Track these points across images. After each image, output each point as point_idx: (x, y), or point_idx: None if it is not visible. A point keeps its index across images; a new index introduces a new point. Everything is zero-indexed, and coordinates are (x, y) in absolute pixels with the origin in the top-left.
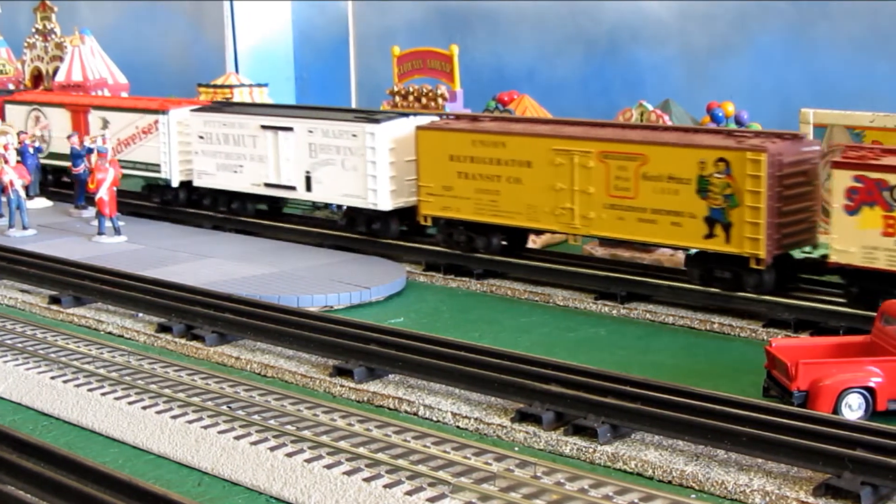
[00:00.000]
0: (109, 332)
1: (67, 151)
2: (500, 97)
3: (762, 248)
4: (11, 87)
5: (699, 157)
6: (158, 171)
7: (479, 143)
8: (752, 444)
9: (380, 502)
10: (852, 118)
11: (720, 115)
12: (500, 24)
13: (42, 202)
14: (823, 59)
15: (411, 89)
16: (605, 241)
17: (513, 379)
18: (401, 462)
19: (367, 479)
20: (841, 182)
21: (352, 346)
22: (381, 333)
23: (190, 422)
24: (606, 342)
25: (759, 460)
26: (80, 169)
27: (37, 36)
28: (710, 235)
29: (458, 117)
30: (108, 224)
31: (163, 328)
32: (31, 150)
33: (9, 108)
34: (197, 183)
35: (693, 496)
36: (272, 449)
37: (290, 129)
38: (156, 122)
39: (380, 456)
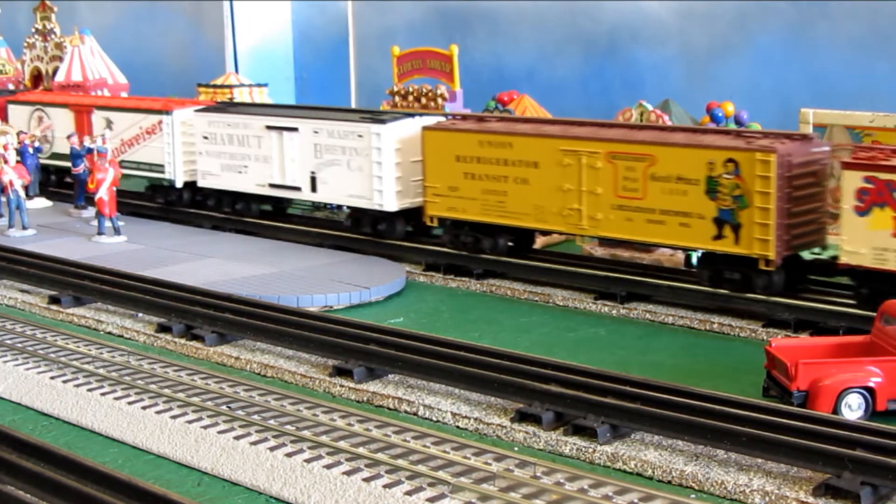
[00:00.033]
0: (109, 332)
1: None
2: (499, 97)
3: (772, 249)
4: (11, 87)
5: (708, 158)
6: (162, 172)
7: (485, 143)
8: (751, 444)
9: (379, 502)
10: (852, 118)
11: (720, 115)
12: (499, 24)
13: (42, 202)
14: (823, 59)
15: (411, 89)
16: (605, 241)
17: (512, 379)
18: (400, 462)
19: (366, 479)
20: (851, 183)
21: (351, 346)
22: (381, 333)
23: (190, 422)
24: (606, 342)
25: (759, 460)
26: (80, 169)
27: (36, 36)
28: (718, 236)
29: (464, 118)
30: (107, 224)
31: (162, 328)
32: (30, 150)
33: (12, 109)
34: (201, 183)
35: (693, 496)
36: (272, 449)
37: (295, 129)
38: (160, 122)
39: (379, 456)
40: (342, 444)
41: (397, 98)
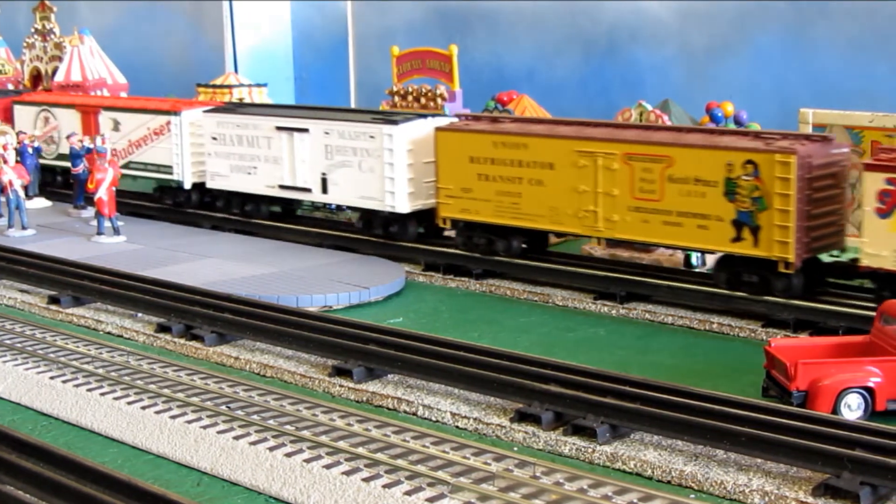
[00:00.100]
0: (109, 332)
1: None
2: (499, 97)
3: (791, 251)
4: (11, 87)
5: (727, 159)
6: (171, 173)
7: (499, 144)
8: (751, 444)
9: (379, 502)
10: (851, 118)
11: (719, 115)
12: (499, 25)
13: (41, 202)
14: (822, 59)
15: (410, 89)
16: (614, 242)
17: (512, 379)
18: (400, 462)
19: (366, 479)
20: (873, 185)
21: (351, 346)
22: (381, 333)
23: (189, 422)
24: (605, 342)
25: (759, 460)
26: (80, 169)
27: (36, 36)
28: (737, 239)
29: (477, 118)
30: (107, 224)
31: (162, 328)
32: (30, 151)
33: (17, 109)
34: (210, 185)
35: (692, 496)
36: (271, 449)
37: (305, 130)
38: (168, 123)
39: (379, 456)
40: (341, 444)
41: (397, 98)
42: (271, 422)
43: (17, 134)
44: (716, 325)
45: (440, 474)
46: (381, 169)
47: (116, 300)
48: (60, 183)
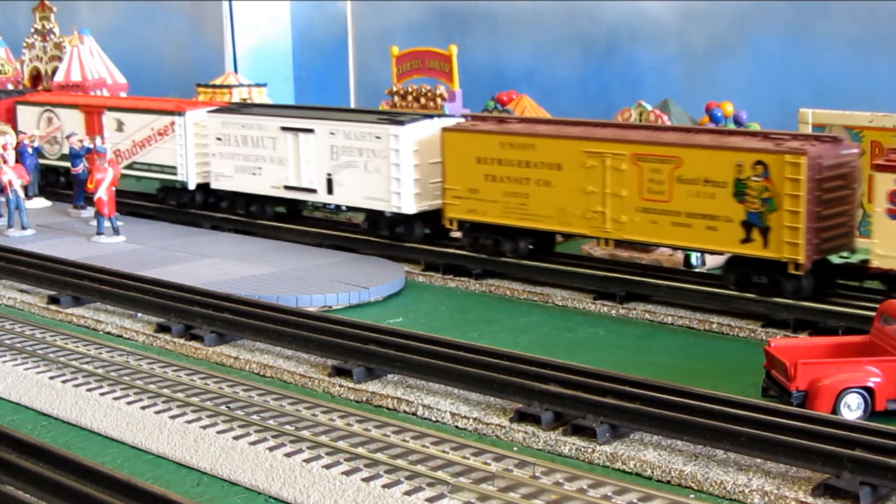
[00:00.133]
0: (108, 332)
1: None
2: (498, 97)
3: (801, 252)
4: (10, 87)
5: (736, 160)
6: (175, 174)
7: (507, 145)
8: (750, 444)
9: (378, 502)
10: (851, 118)
11: (719, 115)
12: (498, 25)
13: (41, 202)
14: (822, 59)
15: (410, 89)
16: (623, 243)
17: (512, 379)
18: (399, 462)
19: (365, 479)
20: (883, 185)
21: (351, 346)
22: (380, 333)
23: (189, 422)
24: (605, 342)
25: (758, 460)
26: (79, 169)
27: (36, 36)
28: (747, 240)
29: (484, 119)
30: (106, 224)
31: (162, 328)
32: (29, 151)
33: (21, 109)
34: (214, 185)
35: (692, 496)
36: (271, 449)
37: (311, 130)
38: (172, 123)
39: (378, 456)
40: (341, 444)
41: (396, 98)
42: (271, 422)
43: (17, 134)
44: (715, 325)
45: (440, 474)
46: (387, 169)
47: (116, 300)
48: (64, 183)
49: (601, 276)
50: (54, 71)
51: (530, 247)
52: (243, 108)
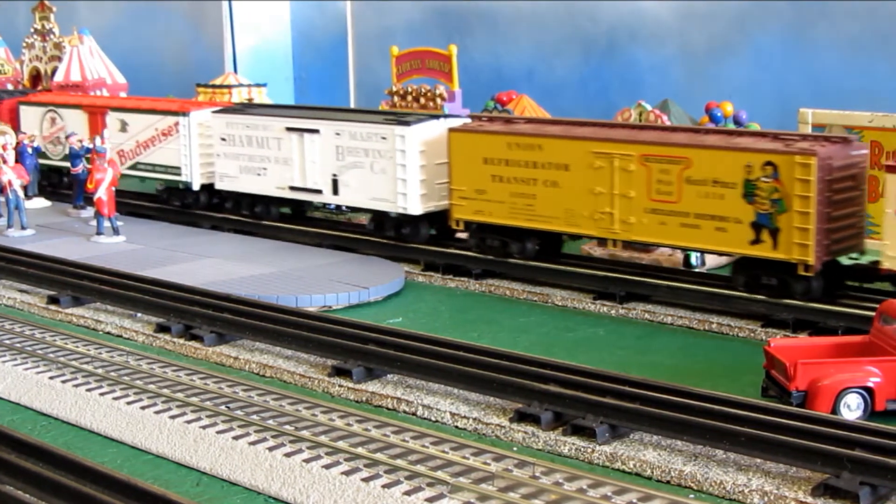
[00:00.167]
0: (108, 332)
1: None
2: (498, 97)
3: (811, 254)
4: (10, 87)
5: (745, 161)
6: (179, 174)
7: (514, 145)
8: (750, 444)
9: (378, 502)
10: (851, 118)
11: (719, 115)
12: (498, 25)
13: (41, 202)
14: (822, 59)
15: (410, 89)
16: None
17: (511, 379)
18: (399, 462)
19: (365, 479)
20: (894, 186)
21: (350, 346)
22: (380, 333)
23: (188, 422)
24: (605, 342)
25: (758, 460)
26: (79, 169)
27: (35, 36)
28: (756, 241)
29: (490, 119)
30: (106, 224)
31: (161, 328)
32: (29, 151)
33: (24, 110)
34: (219, 186)
35: (691, 496)
36: (270, 449)
37: (316, 131)
38: (176, 123)
39: (378, 456)
40: (341, 444)
41: (396, 98)
42: (270, 422)
43: (17, 134)
44: (715, 325)
45: (439, 474)
46: (393, 170)
47: (116, 300)
48: (67, 184)
49: (601, 276)
50: (54, 71)
51: (537, 248)
52: (248, 108)
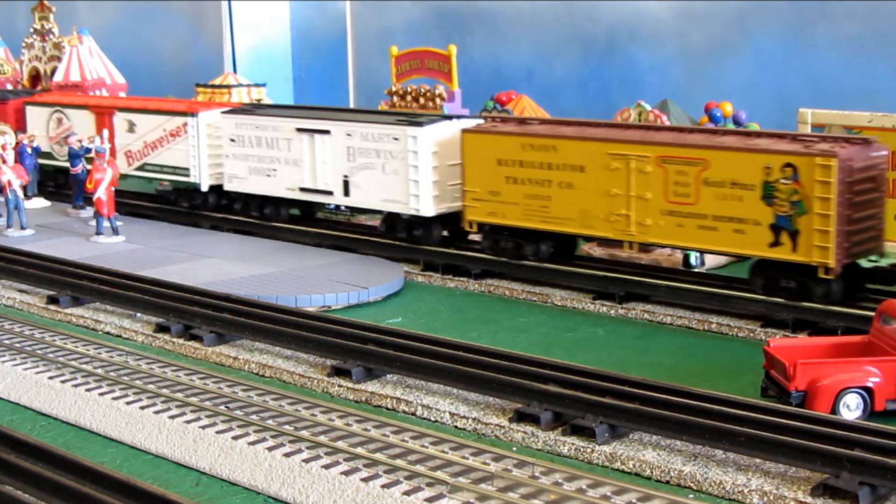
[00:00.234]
0: (107, 332)
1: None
2: (498, 97)
3: (831, 256)
4: (10, 87)
5: (765, 163)
6: (187, 175)
7: (528, 146)
8: (750, 444)
9: (378, 502)
10: (850, 118)
11: (718, 114)
12: (498, 25)
13: (40, 202)
14: (822, 59)
15: (409, 89)
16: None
17: (511, 379)
18: (399, 462)
19: (364, 479)
20: None
21: (350, 346)
22: (379, 333)
23: (188, 422)
24: (604, 342)
25: (758, 460)
26: (79, 169)
27: (35, 36)
28: (775, 243)
29: (504, 120)
30: (106, 224)
31: (161, 328)
32: (28, 150)
33: (30, 110)
34: (227, 187)
35: (691, 496)
36: (270, 449)
37: (327, 132)
38: (184, 124)
39: (378, 456)
40: (340, 444)
41: (395, 98)
42: (270, 422)
43: (17, 134)
44: (714, 325)
45: (439, 474)
46: (405, 171)
47: (115, 300)
48: (67, 184)
49: (600, 276)
50: (53, 71)
51: (552, 250)
52: (257, 109)
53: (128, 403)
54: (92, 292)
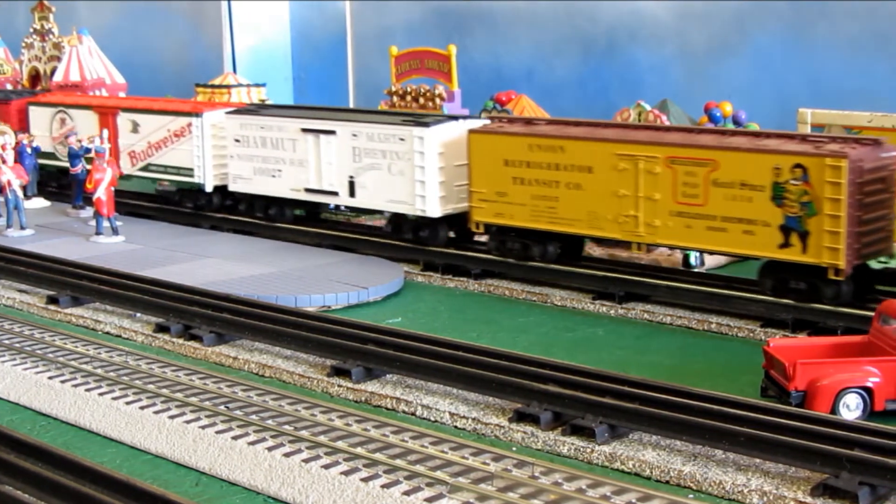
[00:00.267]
0: (107, 332)
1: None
2: (497, 97)
3: (842, 258)
4: (9, 87)
5: (774, 163)
6: (191, 176)
7: (535, 147)
8: (749, 444)
9: (377, 502)
10: (850, 118)
11: (718, 114)
12: (497, 25)
13: (40, 202)
14: (821, 59)
15: (409, 89)
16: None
17: (511, 379)
18: (398, 462)
19: (364, 479)
20: None
21: (349, 346)
22: (379, 333)
23: (188, 422)
24: (604, 342)
25: (757, 460)
26: (78, 169)
27: (35, 36)
28: (785, 245)
29: (511, 121)
30: (105, 224)
31: (161, 328)
32: (28, 150)
33: (33, 110)
34: (232, 188)
35: (691, 496)
36: (270, 449)
37: (332, 132)
38: (189, 124)
39: (377, 456)
40: (340, 444)
41: (395, 98)
42: (270, 422)
43: (16, 134)
44: (714, 325)
45: (439, 474)
46: (411, 172)
47: (115, 300)
48: (66, 184)
49: (600, 276)
50: (53, 71)
51: (559, 251)
52: (262, 109)
53: (127, 403)
54: (92, 292)
